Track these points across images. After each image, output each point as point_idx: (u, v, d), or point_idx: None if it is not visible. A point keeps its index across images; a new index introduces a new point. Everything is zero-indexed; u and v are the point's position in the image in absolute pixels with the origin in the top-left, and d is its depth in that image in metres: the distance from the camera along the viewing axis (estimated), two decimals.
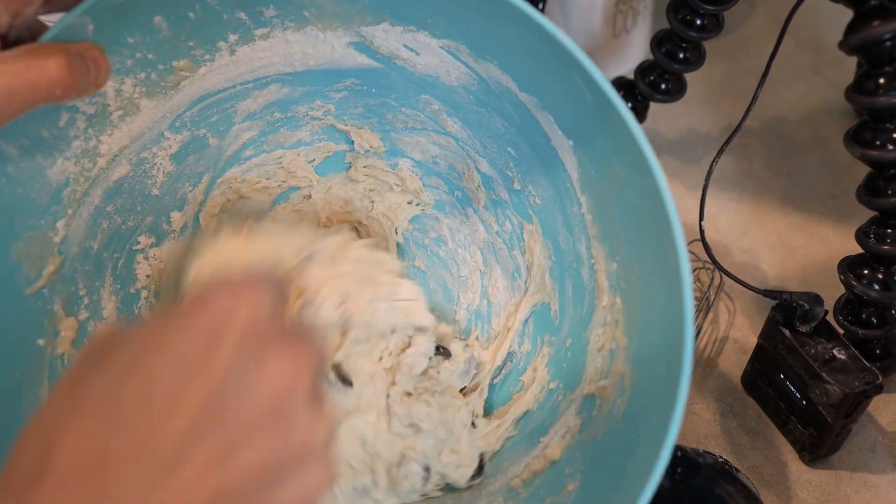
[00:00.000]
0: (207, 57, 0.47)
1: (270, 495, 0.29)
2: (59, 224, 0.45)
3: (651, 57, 0.60)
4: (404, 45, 0.48)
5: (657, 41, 0.59)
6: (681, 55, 0.58)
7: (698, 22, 0.55)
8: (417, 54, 0.49)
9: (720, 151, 0.55)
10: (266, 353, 0.29)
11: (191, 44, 0.45)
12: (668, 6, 0.57)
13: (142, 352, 0.29)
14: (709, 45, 0.59)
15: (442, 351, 0.53)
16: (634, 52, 0.74)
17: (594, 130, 0.44)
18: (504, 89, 0.47)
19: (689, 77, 0.61)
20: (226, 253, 0.51)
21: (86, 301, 0.47)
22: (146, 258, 0.51)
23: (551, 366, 0.51)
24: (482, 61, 0.47)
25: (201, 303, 0.30)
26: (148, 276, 0.51)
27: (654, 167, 0.39)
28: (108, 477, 0.27)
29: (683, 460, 0.45)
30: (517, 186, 0.52)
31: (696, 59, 0.58)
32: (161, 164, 0.49)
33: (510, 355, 0.54)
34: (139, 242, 0.50)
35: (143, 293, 0.51)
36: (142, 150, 0.48)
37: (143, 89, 0.45)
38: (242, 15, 0.46)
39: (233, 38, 0.47)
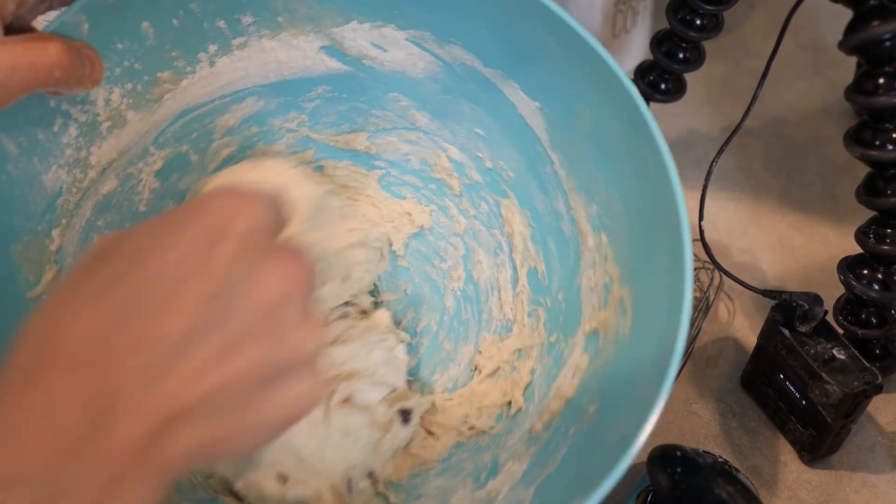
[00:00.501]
0: (189, 69, 0.48)
1: (262, 399, 0.30)
2: (55, 233, 0.45)
3: (651, 57, 0.60)
4: (372, 44, 0.51)
5: (657, 41, 0.59)
6: (681, 55, 0.58)
7: (698, 22, 0.55)
8: (385, 51, 0.51)
9: (720, 151, 0.55)
10: (264, 261, 0.30)
11: (174, 54, 0.47)
12: (667, 6, 0.57)
13: (142, 251, 0.29)
14: (709, 45, 0.59)
15: (403, 415, 0.51)
16: (634, 52, 0.74)
17: (559, 79, 0.47)
18: (469, 69, 0.50)
19: (689, 77, 0.61)
20: (235, 176, 0.52)
21: None
22: None
23: (548, 324, 0.52)
24: (446, 45, 0.49)
25: (201, 206, 0.30)
26: None
27: (626, 82, 0.42)
28: (111, 367, 0.27)
29: (683, 460, 0.45)
30: (489, 165, 0.54)
31: (696, 59, 0.58)
32: (146, 180, 0.50)
33: (508, 322, 0.54)
34: None
35: None
36: (128, 164, 0.49)
37: (130, 101, 0.47)
38: (222, 23, 0.48)
39: (213, 48, 0.48)
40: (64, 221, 0.46)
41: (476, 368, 0.54)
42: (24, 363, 0.28)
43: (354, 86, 0.53)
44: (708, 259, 0.55)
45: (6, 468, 0.26)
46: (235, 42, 0.49)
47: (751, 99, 0.53)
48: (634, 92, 0.43)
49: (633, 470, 0.52)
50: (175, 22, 0.46)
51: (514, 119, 0.51)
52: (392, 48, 0.51)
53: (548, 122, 0.49)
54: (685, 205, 0.41)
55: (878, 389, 0.48)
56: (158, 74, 0.47)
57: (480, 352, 0.54)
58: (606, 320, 0.46)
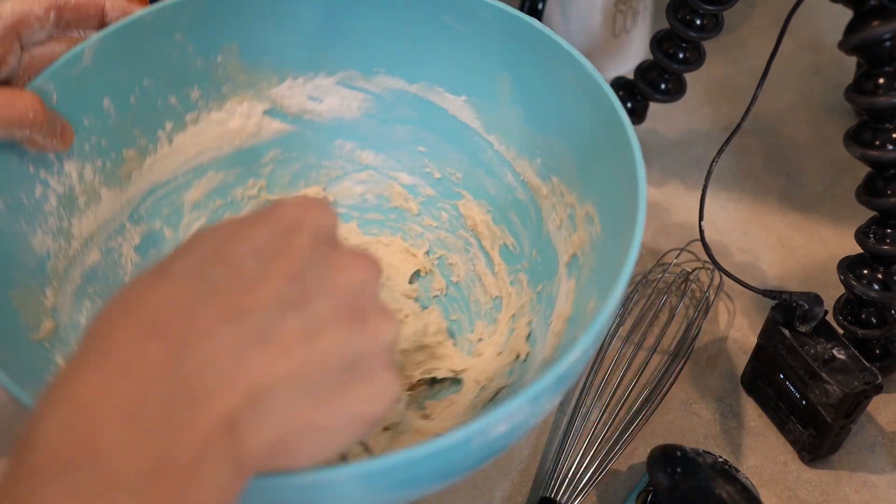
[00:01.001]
0: (151, 147, 0.52)
1: (344, 389, 0.29)
2: (48, 292, 0.47)
3: (651, 57, 0.60)
4: (308, 97, 0.56)
5: (657, 41, 0.59)
6: (681, 55, 0.58)
7: (698, 22, 0.56)
8: (321, 101, 0.56)
9: (720, 151, 0.55)
10: (338, 252, 0.31)
11: (136, 132, 0.51)
12: (667, 6, 0.57)
13: (226, 239, 0.30)
14: (709, 45, 0.59)
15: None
16: (634, 52, 0.74)
17: (475, 58, 0.51)
18: (397, 93, 0.55)
19: (689, 77, 0.61)
20: None
21: None
22: None
23: (532, 281, 0.53)
24: (372, 77, 0.55)
25: (274, 208, 0.31)
26: None
27: (525, 18, 0.47)
28: (198, 339, 0.27)
29: (683, 460, 0.45)
30: (437, 176, 0.57)
31: (696, 59, 0.58)
32: (127, 254, 0.52)
33: (497, 299, 0.56)
34: None
35: None
36: (108, 239, 0.51)
37: (102, 177, 0.50)
38: (173, 99, 0.53)
39: (169, 125, 0.53)
40: (55, 284, 0.47)
41: (479, 355, 0.55)
42: (102, 333, 0.28)
43: (301, 143, 0.58)
44: (708, 259, 0.54)
45: (84, 439, 0.25)
46: (188, 117, 0.54)
47: (751, 99, 0.53)
48: (535, 22, 0.47)
49: (632, 470, 0.53)
50: (132, 99, 0.50)
51: (448, 122, 0.55)
52: (326, 96, 0.56)
53: (477, 110, 0.54)
54: (612, 92, 0.44)
55: (878, 389, 0.48)
56: (124, 152, 0.51)
57: (481, 339, 0.55)
58: (580, 239, 0.48)
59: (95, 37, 0.47)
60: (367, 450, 0.48)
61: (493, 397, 0.51)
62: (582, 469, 0.51)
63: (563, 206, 0.50)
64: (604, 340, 0.57)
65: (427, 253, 0.59)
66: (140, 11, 0.49)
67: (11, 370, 0.37)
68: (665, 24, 0.58)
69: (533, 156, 0.52)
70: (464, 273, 0.58)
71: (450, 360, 0.54)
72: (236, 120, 0.56)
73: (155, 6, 0.50)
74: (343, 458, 0.46)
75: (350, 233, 0.60)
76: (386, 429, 0.49)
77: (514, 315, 0.54)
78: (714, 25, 0.56)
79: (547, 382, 0.34)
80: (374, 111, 0.56)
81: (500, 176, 0.54)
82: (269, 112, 0.56)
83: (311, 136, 0.58)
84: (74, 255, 0.49)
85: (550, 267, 0.51)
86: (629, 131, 0.42)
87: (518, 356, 0.51)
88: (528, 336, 0.52)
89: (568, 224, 0.50)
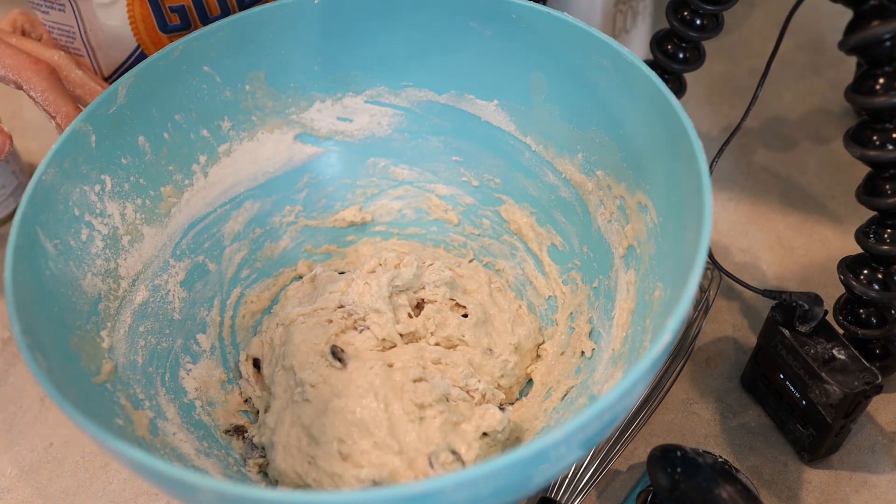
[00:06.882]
0: (187, 182, 0.53)
1: None
2: (103, 334, 0.47)
3: (651, 57, 0.60)
4: (338, 118, 0.56)
5: (657, 41, 0.59)
6: (681, 55, 0.58)
7: (698, 22, 0.55)
8: (351, 121, 0.56)
9: (720, 151, 0.55)
10: None
11: (171, 168, 0.52)
12: (667, 6, 0.57)
13: None
14: (709, 45, 0.59)
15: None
16: (634, 52, 0.74)
17: (504, 60, 0.51)
18: (426, 105, 0.55)
19: (689, 77, 0.61)
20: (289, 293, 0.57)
21: (147, 404, 0.48)
22: (188, 374, 0.52)
23: (586, 278, 0.53)
24: (401, 91, 0.55)
25: None
26: (196, 389, 0.52)
27: (558, 15, 0.46)
28: None
29: (683, 460, 0.45)
30: (476, 183, 0.57)
31: (696, 59, 0.58)
32: (174, 290, 0.53)
33: (550, 299, 0.56)
34: (178, 360, 0.52)
35: (197, 403, 0.51)
36: (154, 276, 0.52)
37: (143, 216, 0.51)
38: (205, 132, 0.53)
39: (203, 158, 0.54)
40: (109, 325, 0.48)
41: (539, 357, 0.55)
42: None
43: (334, 165, 0.58)
44: (708, 259, 0.54)
45: None
46: (221, 149, 0.54)
47: (751, 99, 0.53)
48: (564, 15, 0.46)
49: (632, 470, 0.53)
50: (166, 135, 0.51)
51: (481, 129, 0.55)
52: (356, 116, 0.56)
53: (511, 113, 0.53)
54: (655, 74, 0.43)
55: (878, 389, 0.48)
56: (161, 189, 0.52)
57: (542, 342, 0.55)
58: (634, 230, 0.47)
59: (127, 75, 0.48)
60: (458, 458, 0.46)
61: (563, 398, 0.50)
62: (582, 469, 0.51)
63: (611, 199, 0.49)
64: None
65: (471, 262, 0.58)
66: (168, 46, 0.50)
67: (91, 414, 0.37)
68: (665, 24, 0.58)
69: (573, 152, 0.51)
70: (513, 278, 0.57)
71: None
72: (268, 147, 0.56)
73: (182, 39, 0.50)
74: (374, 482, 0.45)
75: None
76: (485, 434, 0.47)
77: (571, 314, 0.53)
78: (714, 25, 0.56)
79: (642, 369, 0.33)
80: (405, 125, 0.56)
81: (541, 176, 0.54)
82: (299, 137, 0.56)
83: (343, 156, 0.58)
84: (124, 294, 0.49)
85: (605, 261, 0.51)
86: (679, 110, 0.41)
87: (583, 353, 0.51)
88: (591, 332, 0.51)
89: (619, 216, 0.49)
